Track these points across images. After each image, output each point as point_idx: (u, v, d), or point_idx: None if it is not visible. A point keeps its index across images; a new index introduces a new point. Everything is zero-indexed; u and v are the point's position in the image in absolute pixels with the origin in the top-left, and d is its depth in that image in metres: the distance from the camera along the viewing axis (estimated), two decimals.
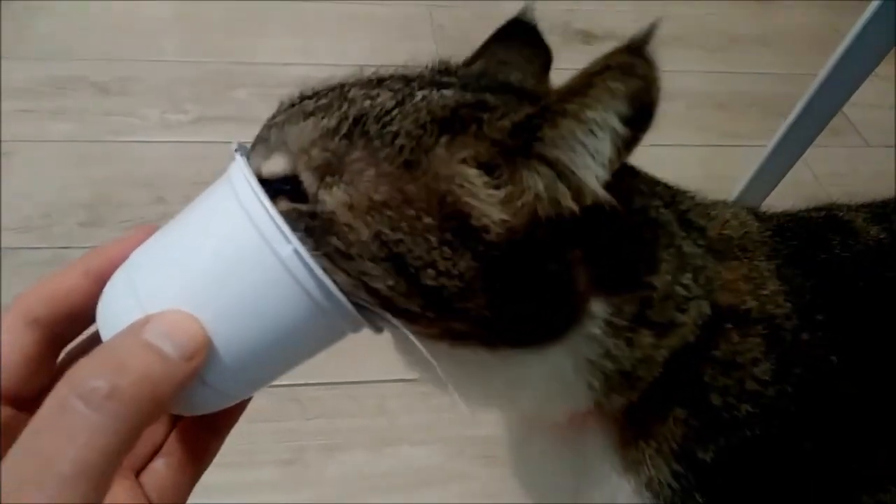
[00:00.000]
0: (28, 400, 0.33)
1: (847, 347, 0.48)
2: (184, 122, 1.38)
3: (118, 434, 0.27)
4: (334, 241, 0.36)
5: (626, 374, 0.43)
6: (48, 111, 1.35)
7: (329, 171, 0.37)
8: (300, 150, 0.37)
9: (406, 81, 0.41)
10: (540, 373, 0.43)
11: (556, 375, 0.43)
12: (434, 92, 0.40)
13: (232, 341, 0.32)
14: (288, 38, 1.58)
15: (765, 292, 0.48)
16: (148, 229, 0.36)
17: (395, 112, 0.38)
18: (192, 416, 0.36)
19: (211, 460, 0.38)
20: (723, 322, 0.46)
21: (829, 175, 1.41)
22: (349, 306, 0.33)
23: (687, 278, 0.44)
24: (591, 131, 0.33)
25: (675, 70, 1.71)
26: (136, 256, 0.34)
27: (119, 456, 0.28)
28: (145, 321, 0.31)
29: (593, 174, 0.34)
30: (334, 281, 0.34)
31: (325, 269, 0.35)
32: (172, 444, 0.37)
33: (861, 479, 0.50)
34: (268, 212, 0.32)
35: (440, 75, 0.45)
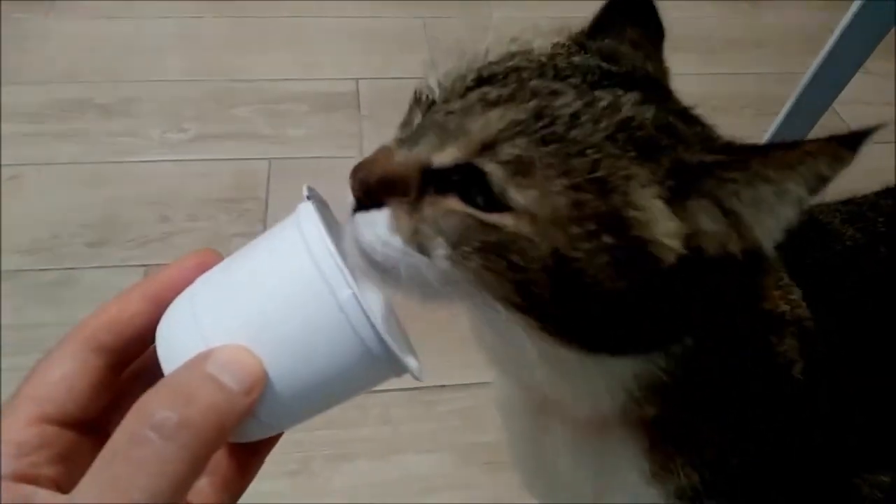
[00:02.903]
0: (89, 424, 0.34)
1: (840, 345, 0.50)
2: (185, 140, 1.40)
3: (188, 462, 0.28)
4: (511, 255, 0.36)
5: (667, 387, 0.43)
6: (53, 134, 1.38)
7: (519, 170, 0.36)
8: (487, 140, 0.36)
9: (582, 74, 0.40)
10: (602, 372, 0.43)
11: (612, 378, 0.43)
12: (613, 97, 0.39)
13: (285, 377, 0.33)
14: (287, 55, 1.61)
15: (793, 297, 0.50)
16: (202, 255, 0.37)
17: (584, 118, 0.37)
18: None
19: (251, 480, 0.38)
20: (762, 328, 0.47)
21: None
22: (398, 354, 0.33)
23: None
24: (786, 201, 0.35)
25: (672, 74, 1.72)
26: (200, 289, 0.35)
27: (188, 483, 0.29)
28: (207, 355, 0.31)
29: (770, 235, 0.36)
30: (485, 291, 0.36)
31: (483, 280, 0.36)
32: (216, 463, 0.37)
33: (857, 465, 0.52)
34: (332, 256, 0.33)
35: (596, 61, 0.43)
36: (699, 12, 1.83)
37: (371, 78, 1.55)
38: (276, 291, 0.33)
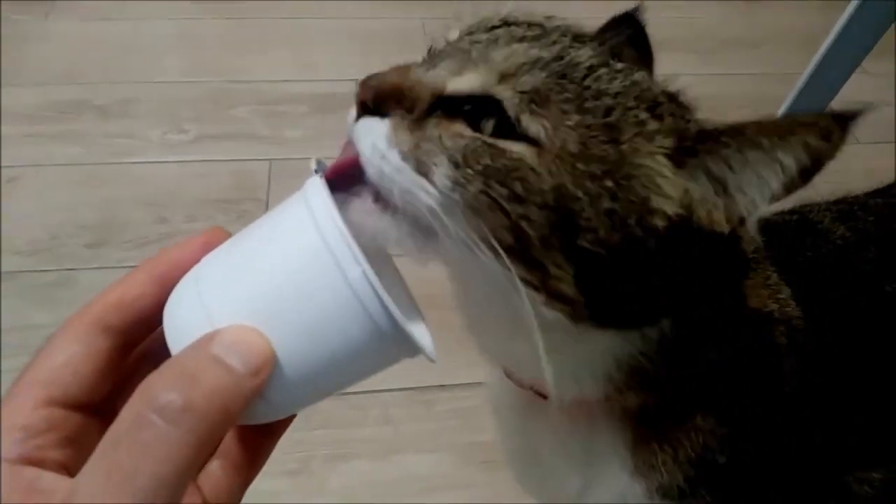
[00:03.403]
0: (96, 406, 0.33)
1: (832, 343, 0.51)
2: (185, 141, 1.40)
3: (193, 446, 0.28)
4: (514, 184, 0.36)
5: (647, 375, 0.44)
6: (52, 135, 1.38)
7: (536, 100, 0.37)
8: (508, 70, 0.37)
9: (597, 46, 0.41)
10: (584, 349, 0.43)
11: (594, 357, 0.44)
12: (625, 66, 0.40)
13: (294, 357, 0.32)
14: (286, 56, 1.61)
15: (781, 296, 0.51)
16: (212, 234, 0.36)
17: (601, 72, 0.39)
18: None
19: (263, 463, 0.37)
20: (747, 327, 0.48)
21: (821, 173, 1.42)
22: (411, 334, 0.33)
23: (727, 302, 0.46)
24: (773, 170, 0.36)
25: (668, 74, 1.72)
26: (205, 268, 0.34)
27: (193, 467, 0.28)
28: (213, 335, 0.31)
29: (755, 205, 0.37)
30: (480, 227, 0.36)
31: (479, 208, 0.36)
32: (227, 447, 0.37)
33: (850, 463, 0.53)
34: (341, 232, 0.32)
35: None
36: (696, 12, 1.84)
37: None
38: (283, 269, 0.33)
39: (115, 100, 1.46)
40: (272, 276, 0.33)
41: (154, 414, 0.28)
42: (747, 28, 1.82)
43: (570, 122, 0.37)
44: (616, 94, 0.38)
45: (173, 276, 0.34)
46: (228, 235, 0.36)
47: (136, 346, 0.36)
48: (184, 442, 0.28)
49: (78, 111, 1.43)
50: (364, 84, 0.39)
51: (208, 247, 0.35)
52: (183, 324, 0.33)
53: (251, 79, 1.54)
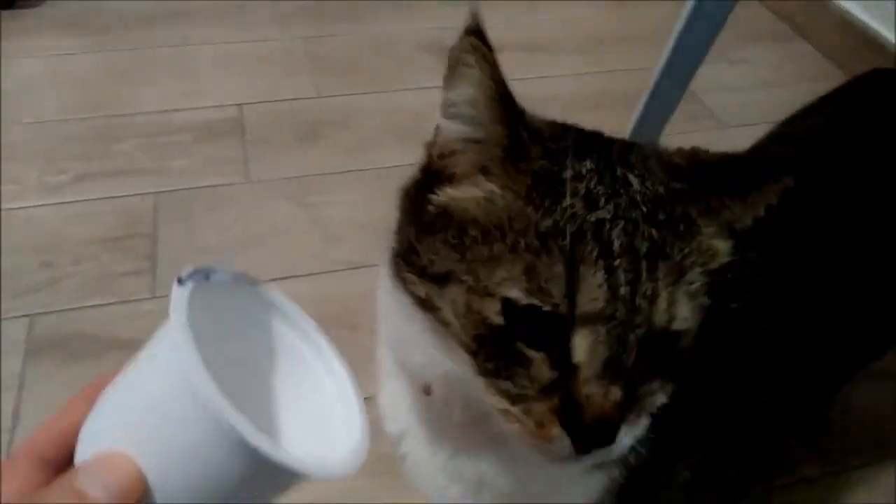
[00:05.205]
0: None
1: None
2: (64, 182, 1.36)
3: None
4: None
5: None
6: None
7: (693, 306, 0.42)
8: (667, 310, 0.41)
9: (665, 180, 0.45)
10: None
11: None
12: (624, 181, 0.44)
13: (173, 489, 0.32)
14: (169, 85, 1.58)
15: None
16: None
17: (667, 240, 0.42)
18: None
19: None
20: None
21: None
22: (287, 463, 0.31)
23: None
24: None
25: (547, 76, 1.77)
26: (99, 400, 0.35)
27: None
28: (80, 467, 0.32)
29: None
30: None
31: None
32: None
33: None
34: (196, 366, 0.31)
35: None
36: (571, 14, 1.90)
37: (254, 102, 1.54)
38: (152, 402, 0.33)
39: None
40: (144, 408, 0.33)
41: None
42: (622, 26, 1.89)
43: (692, 287, 0.42)
44: (677, 235, 0.42)
45: None
46: None
47: None
48: None
49: None
50: (586, 438, 0.41)
51: None
52: (79, 453, 0.34)
53: (132, 111, 1.50)
